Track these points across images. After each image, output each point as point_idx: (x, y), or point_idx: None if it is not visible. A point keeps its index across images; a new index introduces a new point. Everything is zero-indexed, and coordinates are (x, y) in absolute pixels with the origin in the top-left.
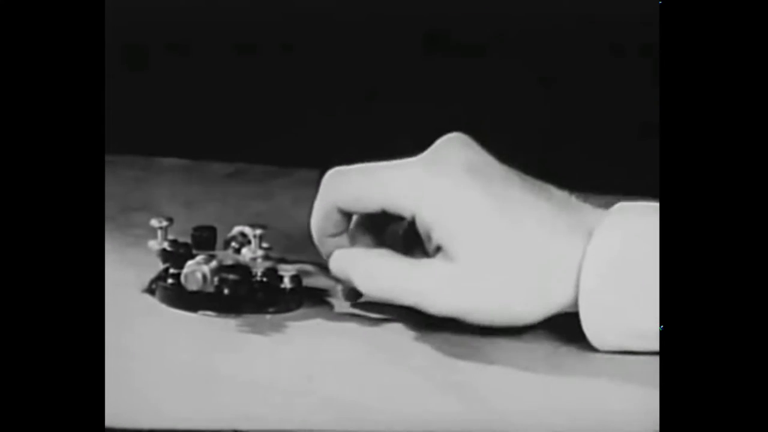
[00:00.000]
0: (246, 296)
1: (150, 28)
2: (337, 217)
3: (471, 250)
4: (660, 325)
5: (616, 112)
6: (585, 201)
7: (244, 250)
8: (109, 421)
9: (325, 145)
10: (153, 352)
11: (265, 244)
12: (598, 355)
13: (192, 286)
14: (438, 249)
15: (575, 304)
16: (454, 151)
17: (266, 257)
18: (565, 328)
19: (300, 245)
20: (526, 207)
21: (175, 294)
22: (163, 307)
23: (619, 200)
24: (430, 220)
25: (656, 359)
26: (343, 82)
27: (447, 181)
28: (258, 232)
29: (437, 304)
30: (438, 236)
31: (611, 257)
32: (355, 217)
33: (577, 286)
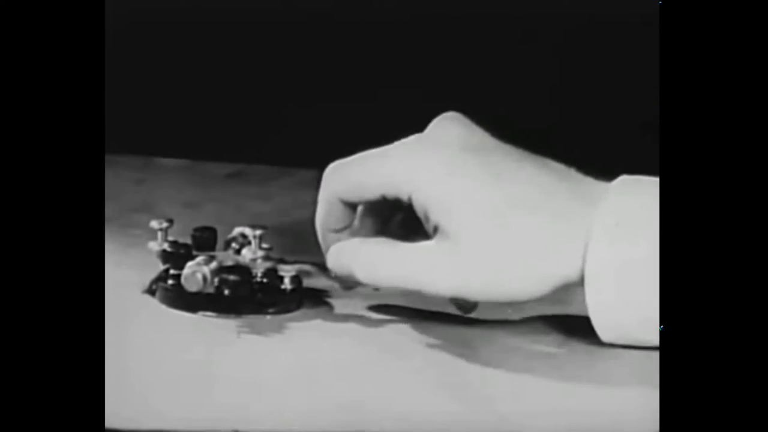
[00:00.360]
0: (246, 297)
1: (150, 27)
2: (340, 209)
3: (468, 226)
4: (660, 325)
5: (615, 111)
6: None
7: (244, 251)
8: (109, 421)
9: (325, 146)
10: (153, 352)
11: (265, 245)
12: (598, 356)
13: (192, 287)
14: (436, 229)
15: (578, 279)
16: (449, 129)
17: (266, 258)
18: (565, 328)
19: (300, 246)
20: (525, 179)
21: (176, 295)
22: (163, 307)
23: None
24: (426, 198)
25: (656, 359)
26: (344, 82)
27: (441, 158)
28: (258, 232)
29: (437, 285)
30: (434, 215)
31: (618, 243)
32: (358, 213)
33: (581, 259)
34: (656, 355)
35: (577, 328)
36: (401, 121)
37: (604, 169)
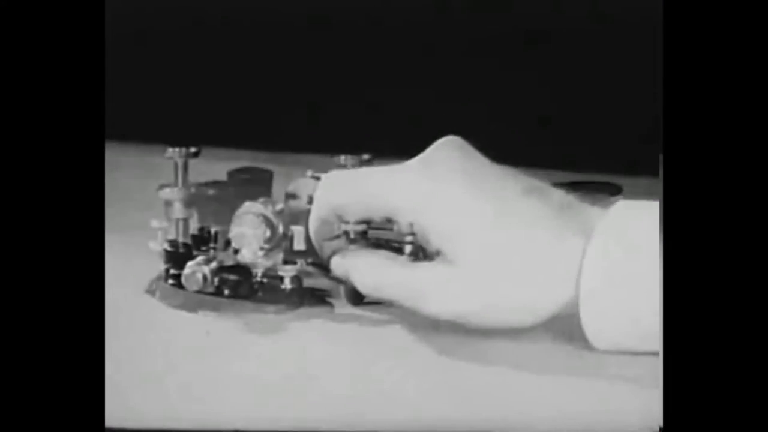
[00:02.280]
0: (246, 296)
1: (151, 31)
2: (335, 221)
3: (469, 254)
4: (662, 325)
5: (617, 108)
6: (584, 198)
7: (244, 251)
8: (109, 421)
9: (326, 148)
10: (153, 352)
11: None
12: (598, 356)
13: (192, 286)
14: (438, 253)
15: (576, 304)
16: (449, 155)
17: (267, 257)
18: (565, 328)
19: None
20: (524, 208)
21: (176, 294)
22: (164, 307)
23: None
24: (428, 225)
25: (658, 359)
26: (344, 82)
27: (443, 185)
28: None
29: (436, 307)
30: (436, 241)
31: (612, 258)
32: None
33: (578, 287)
34: (658, 354)
35: (577, 327)
36: (401, 118)
37: (604, 165)
